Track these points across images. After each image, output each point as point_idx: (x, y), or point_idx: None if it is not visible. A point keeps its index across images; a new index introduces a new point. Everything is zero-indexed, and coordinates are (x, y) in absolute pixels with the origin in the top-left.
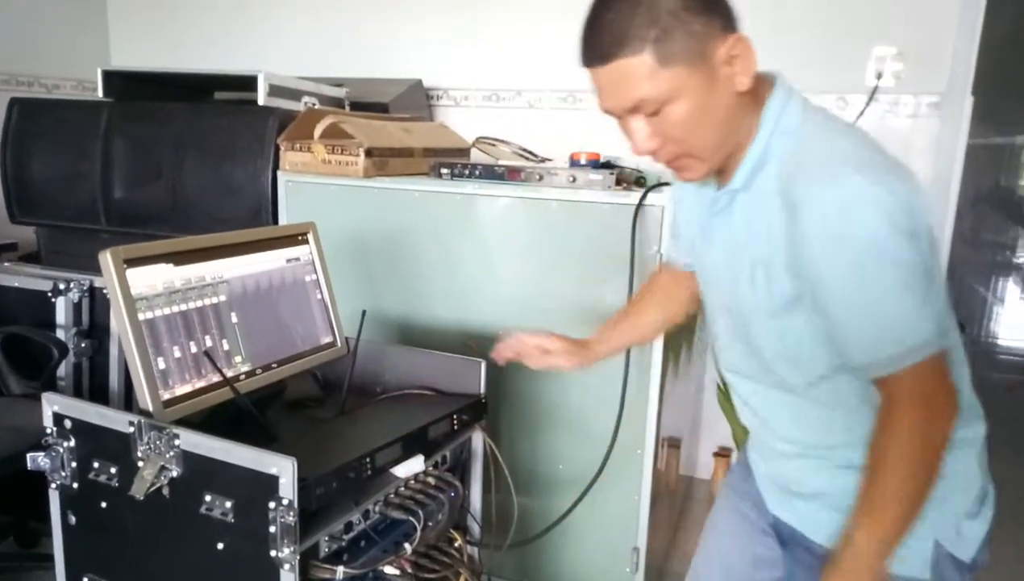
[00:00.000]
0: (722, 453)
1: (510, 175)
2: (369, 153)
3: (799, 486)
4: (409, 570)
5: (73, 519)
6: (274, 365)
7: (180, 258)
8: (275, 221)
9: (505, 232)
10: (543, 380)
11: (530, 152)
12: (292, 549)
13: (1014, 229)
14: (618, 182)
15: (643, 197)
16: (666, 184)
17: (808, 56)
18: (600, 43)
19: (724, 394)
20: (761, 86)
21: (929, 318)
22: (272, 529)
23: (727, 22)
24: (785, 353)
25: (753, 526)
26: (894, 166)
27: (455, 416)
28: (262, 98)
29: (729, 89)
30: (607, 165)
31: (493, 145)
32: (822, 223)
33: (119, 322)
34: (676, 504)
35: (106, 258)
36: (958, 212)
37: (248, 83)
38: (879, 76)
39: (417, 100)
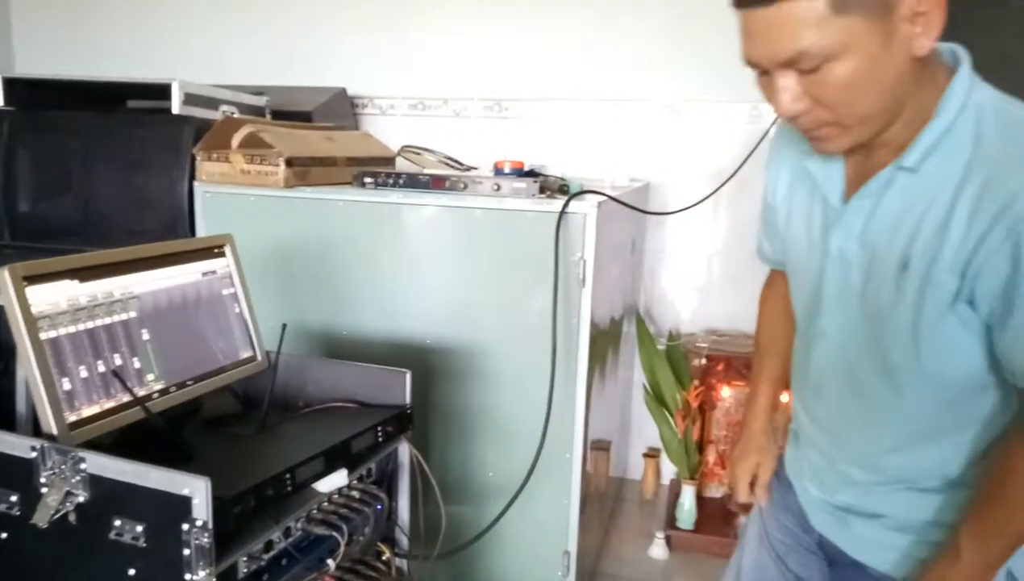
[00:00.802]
0: (651, 454)
1: (434, 184)
2: (290, 162)
3: (861, 508)
4: None
5: None
6: (189, 382)
7: (86, 274)
8: (192, 233)
9: (430, 241)
10: (472, 389)
11: (456, 161)
12: (208, 572)
13: None
14: (542, 190)
15: (566, 205)
16: (590, 191)
17: (721, 67)
18: None
19: (652, 396)
20: (939, 60)
21: None
22: (186, 552)
23: None
24: (924, 359)
25: (796, 540)
26: None
27: (379, 428)
28: (176, 107)
29: (906, 52)
30: (531, 173)
31: (418, 154)
32: None
33: (19, 342)
34: (607, 506)
35: (3, 275)
36: None
37: (162, 91)
38: None
39: (342, 109)
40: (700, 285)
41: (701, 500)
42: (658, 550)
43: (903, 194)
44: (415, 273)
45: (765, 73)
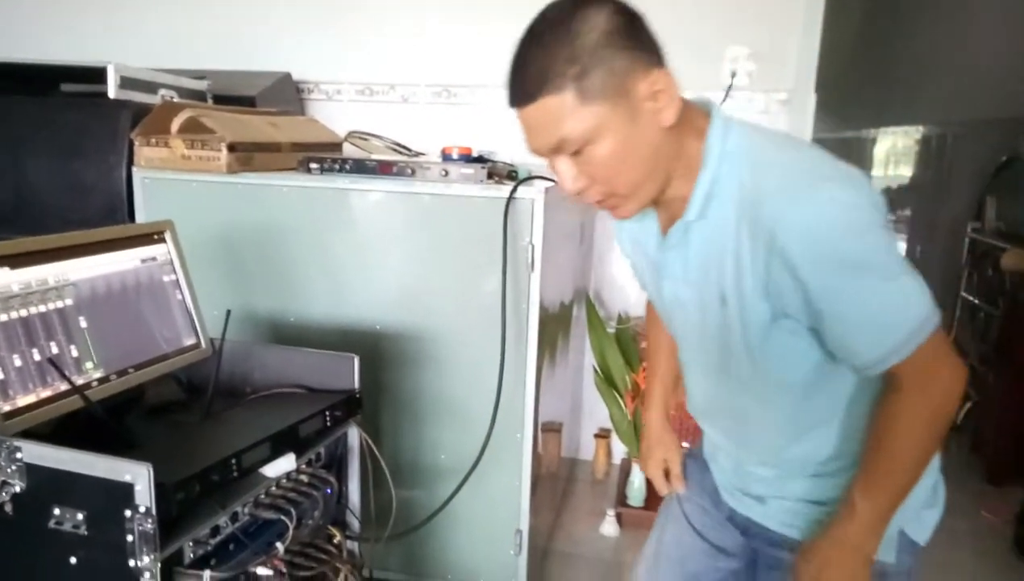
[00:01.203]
0: (602, 435)
1: (382, 169)
2: (232, 148)
3: (772, 494)
4: (284, 570)
5: None
6: (130, 370)
7: (16, 261)
8: (132, 221)
9: (378, 227)
10: (423, 373)
11: (404, 147)
12: (152, 557)
13: None
14: (490, 176)
15: (514, 190)
16: (539, 177)
17: (668, 55)
18: (524, 82)
19: (603, 378)
20: (696, 116)
21: (921, 296)
22: (129, 538)
23: (651, 57)
24: (770, 372)
25: (712, 518)
26: (847, 168)
27: (328, 412)
28: (113, 91)
29: (654, 125)
30: (479, 159)
31: (365, 140)
32: (802, 241)
33: None
34: (559, 485)
35: None
36: None
37: (97, 75)
38: (733, 75)
39: (286, 94)
40: None
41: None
42: (609, 527)
43: (702, 238)
44: (364, 259)
45: (547, 158)
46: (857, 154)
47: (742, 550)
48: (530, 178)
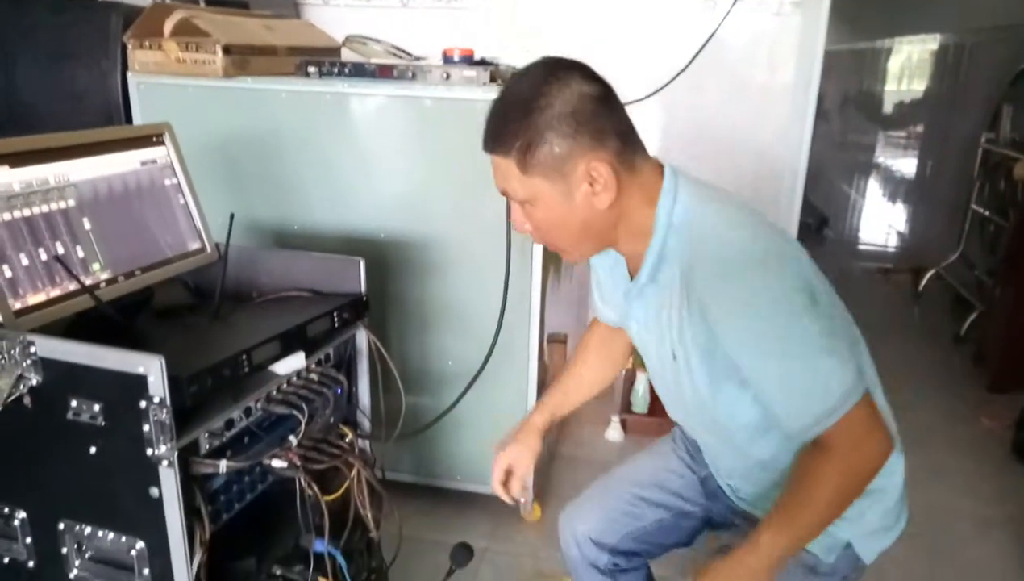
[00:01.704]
0: None
1: (381, 73)
2: (227, 51)
3: (737, 485)
4: (297, 463)
5: None
6: (137, 272)
7: (16, 160)
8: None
9: (380, 132)
10: (429, 281)
11: (404, 51)
12: (169, 446)
13: (875, 130)
14: (493, 79)
15: None
16: None
17: None
18: (486, 133)
19: None
20: (649, 181)
21: (845, 369)
22: (146, 428)
23: (596, 144)
24: (719, 417)
25: (684, 464)
26: (782, 243)
27: (335, 313)
28: None
29: (588, 205)
30: (482, 62)
31: (364, 44)
32: (730, 319)
33: None
34: None
35: None
36: (826, 115)
37: None
38: None
39: None
40: None
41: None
42: (614, 433)
43: (656, 298)
44: (366, 166)
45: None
46: (871, 67)
47: (698, 504)
48: None
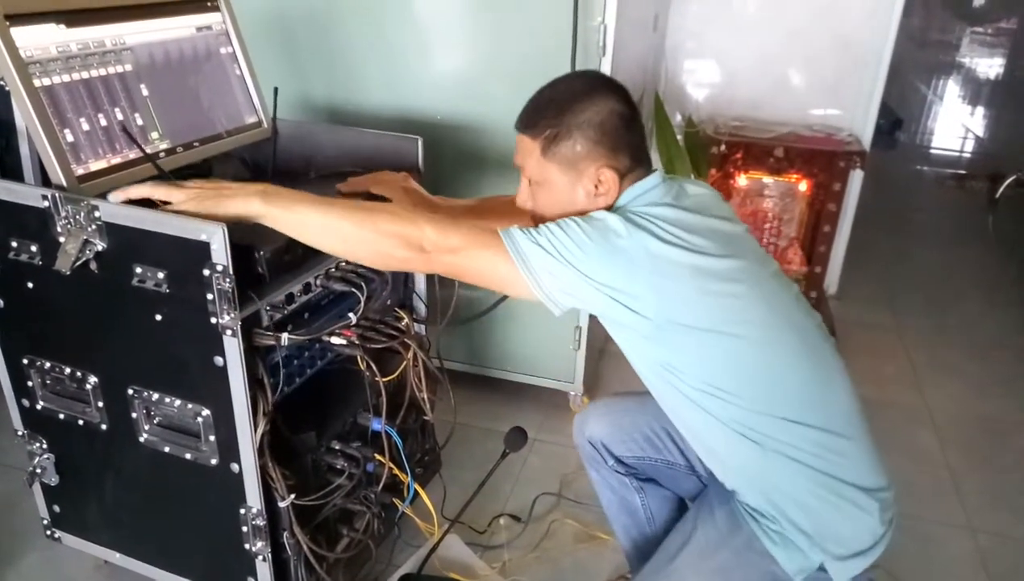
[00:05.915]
0: None
1: None
2: None
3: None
4: (356, 341)
5: (1, 302)
6: (196, 144)
7: (71, 18)
8: None
9: (439, 8)
10: (484, 168)
11: None
12: (232, 315)
13: (960, 28)
14: None
15: None
16: None
17: None
18: (523, 113)
19: None
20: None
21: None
22: (209, 296)
23: (611, 155)
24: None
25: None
26: (697, 258)
27: None
28: None
29: (588, 201)
30: None
31: None
32: None
33: (12, 88)
34: None
35: None
36: (908, 10)
37: None
38: None
39: None
40: (724, 68)
41: None
42: None
43: None
44: (423, 42)
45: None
46: None
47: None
48: None
